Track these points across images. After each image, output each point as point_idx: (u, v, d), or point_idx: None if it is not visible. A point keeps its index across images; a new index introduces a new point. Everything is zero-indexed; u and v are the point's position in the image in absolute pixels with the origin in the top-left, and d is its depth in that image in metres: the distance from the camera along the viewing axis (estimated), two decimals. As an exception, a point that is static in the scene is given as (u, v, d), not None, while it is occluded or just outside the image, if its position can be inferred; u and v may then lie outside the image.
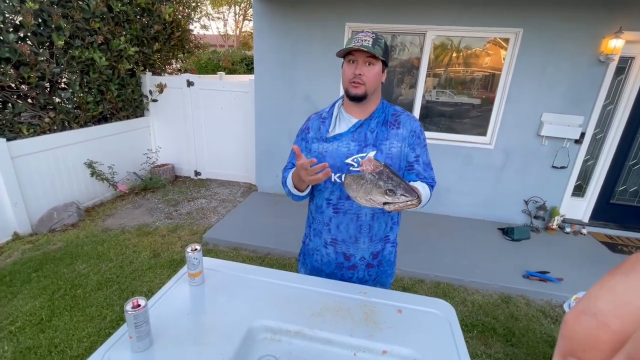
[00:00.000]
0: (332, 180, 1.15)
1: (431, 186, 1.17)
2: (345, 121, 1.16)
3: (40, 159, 3.09)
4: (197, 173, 4.60)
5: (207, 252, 2.83)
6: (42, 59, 3.04)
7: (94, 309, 2.12)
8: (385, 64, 1.09)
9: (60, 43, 3.07)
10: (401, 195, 0.82)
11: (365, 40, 1.03)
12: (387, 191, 0.82)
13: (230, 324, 0.95)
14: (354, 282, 1.23)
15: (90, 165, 3.55)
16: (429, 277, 2.66)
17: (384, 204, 0.85)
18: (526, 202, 3.46)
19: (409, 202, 0.82)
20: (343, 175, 1.07)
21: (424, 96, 3.46)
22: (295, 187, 1.15)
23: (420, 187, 1.10)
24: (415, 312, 1.05)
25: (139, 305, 0.80)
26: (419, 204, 0.84)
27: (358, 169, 1.11)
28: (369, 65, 1.06)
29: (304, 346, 0.93)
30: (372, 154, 1.11)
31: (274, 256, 2.82)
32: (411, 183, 1.12)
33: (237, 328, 0.94)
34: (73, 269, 2.51)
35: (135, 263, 2.63)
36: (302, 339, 0.95)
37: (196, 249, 1.07)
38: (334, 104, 1.20)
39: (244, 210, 3.63)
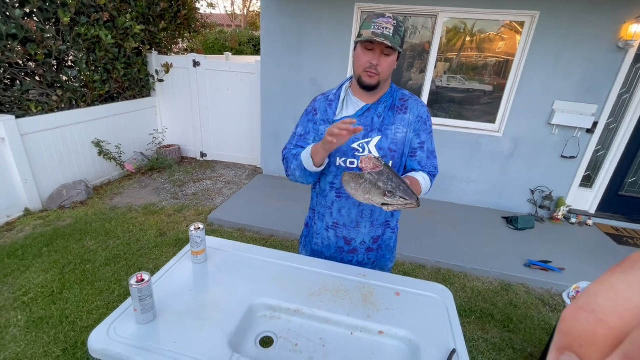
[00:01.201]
0: (337, 164, 1.14)
1: (433, 175, 1.16)
2: (353, 105, 1.14)
3: (49, 137, 3.12)
4: (203, 154, 4.63)
5: (212, 232, 2.88)
6: (49, 35, 3.03)
7: (102, 283, 2.19)
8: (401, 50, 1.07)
9: (66, 20, 3.05)
10: (400, 197, 0.81)
11: (387, 28, 0.98)
12: (387, 192, 0.82)
13: (231, 300, 0.98)
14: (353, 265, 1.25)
15: (97, 144, 3.59)
16: (430, 263, 2.68)
17: (383, 204, 0.84)
18: (532, 192, 3.43)
19: (407, 204, 0.81)
20: (342, 172, 1.03)
21: (433, 81, 3.38)
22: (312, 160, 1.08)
23: (421, 178, 1.09)
24: (413, 295, 1.07)
25: (143, 280, 0.83)
26: (418, 205, 0.83)
27: (362, 154, 1.11)
28: (386, 55, 1.02)
29: (302, 324, 0.96)
30: (376, 139, 1.10)
31: (277, 238, 2.86)
32: (412, 174, 1.12)
33: (238, 305, 0.96)
34: (82, 245, 2.58)
35: (142, 241, 2.69)
36: (301, 317, 0.98)
37: (199, 228, 1.09)
38: (341, 86, 1.18)
39: (248, 192, 3.66)
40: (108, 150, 3.70)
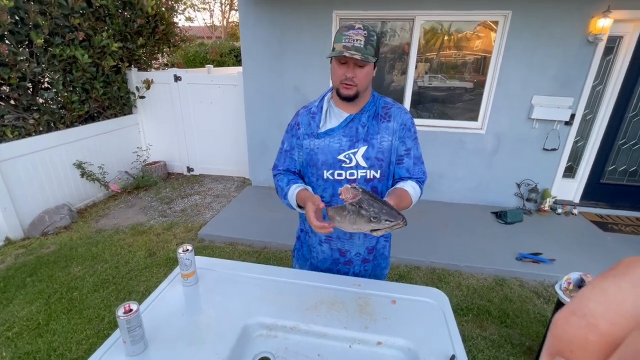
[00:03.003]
0: (325, 177, 1.14)
1: (422, 182, 1.16)
2: (336, 116, 1.13)
3: (27, 162, 3.03)
4: (189, 169, 4.56)
5: (203, 248, 2.83)
6: (22, 58, 2.95)
7: (91, 311, 2.12)
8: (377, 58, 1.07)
9: (40, 41, 2.98)
10: (385, 220, 0.81)
11: (357, 40, 0.97)
12: (372, 218, 0.81)
13: (225, 322, 0.95)
14: (349, 276, 1.24)
15: (79, 165, 3.49)
16: (424, 264, 2.69)
17: (372, 230, 0.84)
18: (518, 185, 3.50)
19: (394, 226, 0.81)
20: (325, 208, 1.02)
21: (415, 82, 3.43)
22: (298, 205, 1.12)
23: (410, 187, 1.09)
24: (409, 302, 1.06)
25: (131, 310, 0.80)
26: (405, 224, 0.83)
27: (350, 165, 1.11)
28: (360, 67, 1.01)
29: (300, 341, 0.94)
30: (362, 149, 1.10)
31: (271, 250, 2.83)
32: (400, 184, 1.11)
33: (232, 326, 0.94)
34: (68, 272, 2.49)
35: (131, 263, 2.62)
36: (298, 333, 0.96)
37: (188, 250, 1.07)
38: (322, 97, 1.17)
39: (238, 205, 3.62)
40: (91, 171, 3.61)
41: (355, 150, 1.10)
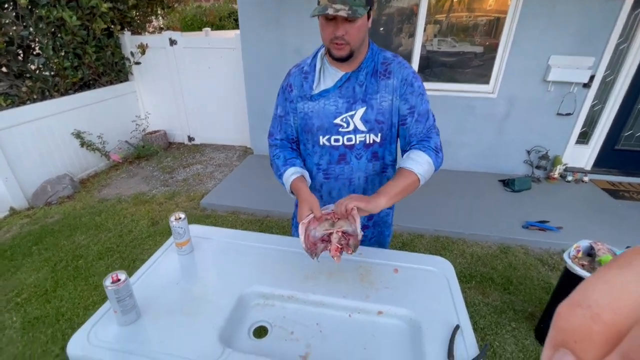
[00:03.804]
0: (321, 143, 1.05)
1: (435, 151, 1.01)
2: (330, 75, 1.01)
3: (24, 131, 2.97)
4: (190, 138, 4.48)
5: (206, 217, 2.82)
6: (7, 21, 2.80)
7: (97, 278, 2.15)
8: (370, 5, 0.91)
9: (24, 2, 2.80)
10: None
11: None
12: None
13: (221, 291, 0.93)
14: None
15: (78, 135, 3.43)
16: (428, 232, 2.66)
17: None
18: (528, 152, 3.37)
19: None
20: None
21: (424, 45, 3.21)
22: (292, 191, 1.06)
23: (417, 165, 0.97)
24: (412, 270, 1.02)
25: (119, 280, 0.76)
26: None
27: (347, 130, 1.02)
28: (350, 22, 0.87)
29: (298, 310, 0.91)
30: (361, 111, 1.00)
31: (273, 218, 2.81)
32: (406, 164, 0.99)
33: (228, 296, 0.91)
34: (73, 241, 2.51)
35: (134, 232, 2.63)
36: (296, 303, 0.93)
37: (180, 218, 1.02)
38: (315, 54, 1.05)
39: (240, 174, 3.57)
40: (90, 141, 3.55)
41: (353, 112, 1.00)
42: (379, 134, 1.03)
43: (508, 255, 2.44)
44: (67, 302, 1.97)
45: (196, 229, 1.19)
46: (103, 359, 0.73)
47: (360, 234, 0.88)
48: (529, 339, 1.79)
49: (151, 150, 4.03)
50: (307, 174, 1.07)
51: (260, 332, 0.86)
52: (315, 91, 1.02)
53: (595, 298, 0.16)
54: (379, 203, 0.89)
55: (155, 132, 4.33)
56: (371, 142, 1.04)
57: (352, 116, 1.01)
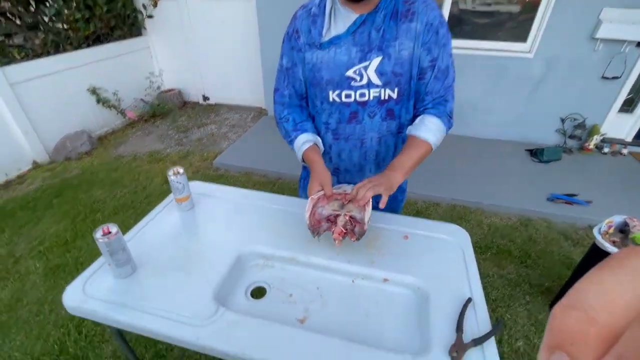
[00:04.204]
0: (330, 100, 0.94)
1: (449, 117, 0.94)
2: (342, 18, 0.87)
3: (40, 85, 2.96)
4: (205, 98, 4.40)
5: (218, 177, 2.82)
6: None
7: (113, 231, 2.20)
8: None
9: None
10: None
11: None
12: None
13: (219, 249, 0.89)
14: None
15: (93, 91, 3.42)
16: (444, 201, 2.55)
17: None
18: (563, 121, 3.10)
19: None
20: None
21: (454, 3, 2.89)
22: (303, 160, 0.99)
23: (430, 134, 0.90)
24: (424, 238, 0.95)
25: (109, 232, 0.73)
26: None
27: (361, 84, 0.90)
28: None
29: (298, 272, 0.87)
30: (376, 61, 0.87)
31: (285, 180, 2.77)
32: (417, 131, 0.91)
33: (226, 254, 0.87)
34: (90, 195, 2.58)
35: (148, 189, 2.66)
36: (296, 265, 0.88)
37: (179, 173, 0.97)
38: None
39: (254, 135, 3.50)
40: (106, 97, 3.54)
41: (367, 63, 0.87)
42: (396, 89, 0.91)
43: (529, 228, 2.32)
44: (85, 253, 2.05)
45: (198, 186, 1.15)
46: (97, 310, 0.72)
47: (367, 224, 0.83)
48: (542, 314, 1.73)
49: (166, 109, 4.00)
50: (319, 142, 0.99)
51: (258, 293, 0.83)
52: (325, 38, 0.89)
53: (590, 299, 0.16)
54: (395, 182, 0.86)
55: (170, 90, 4.27)
56: (386, 98, 0.92)
57: (365, 67, 0.88)
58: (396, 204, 1.19)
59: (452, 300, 0.76)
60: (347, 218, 0.84)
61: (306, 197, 1.20)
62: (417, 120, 0.93)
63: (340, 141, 1.00)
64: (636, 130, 3.09)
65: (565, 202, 2.46)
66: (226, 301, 0.78)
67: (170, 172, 0.96)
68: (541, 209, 2.43)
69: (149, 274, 0.81)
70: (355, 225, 0.84)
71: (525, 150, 3.16)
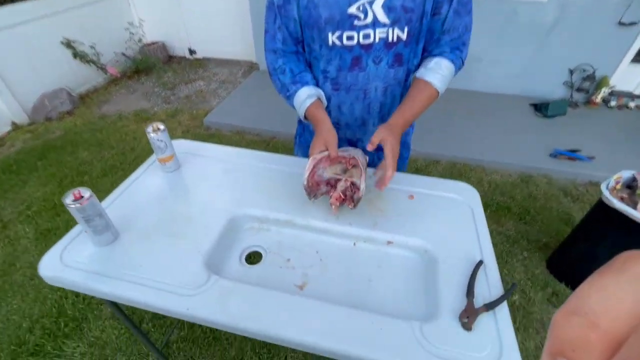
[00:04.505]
0: (330, 43, 0.81)
1: (462, 65, 0.85)
2: None
3: (9, 38, 2.69)
4: (191, 52, 4.10)
5: (210, 136, 2.69)
6: None
7: (103, 194, 2.10)
8: None
9: None
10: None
11: None
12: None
13: (210, 213, 0.82)
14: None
15: (68, 44, 3.13)
16: (445, 158, 2.48)
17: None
18: (571, 72, 2.94)
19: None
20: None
21: None
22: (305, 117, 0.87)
23: (438, 78, 0.81)
24: (431, 197, 0.88)
25: (81, 197, 0.64)
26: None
27: (365, 23, 0.76)
28: None
29: (295, 236, 0.81)
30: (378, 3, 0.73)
31: (279, 139, 2.66)
32: (443, 68, 0.81)
33: (217, 218, 0.80)
34: (76, 157, 2.46)
35: (136, 150, 2.54)
36: (294, 228, 0.82)
37: (159, 129, 0.86)
38: None
39: (245, 91, 3.31)
40: (83, 51, 3.26)
41: None
42: (405, 28, 0.78)
43: (529, 184, 2.28)
44: (75, 217, 1.98)
45: (185, 145, 1.05)
46: (76, 280, 0.66)
47: (362, 192, 0.76)
48: (539, 269, 1.75)
49: (150, 64, 3.73)
50: (323, 96, 0.87)
51: (253, 258, 0.77)
52: None
53: (592, 305, 0.16)
54: (398, 136, 0.80)
55: (152, 43, 3.95)
56: (394, 39, 0.80)
57: (371, 2, 0.75)
58: (401, 161, 1.10)
59: (461, 263, 0.71)
60: (349, 184, 0.76)
61: (303, 156, 1.12)
62: (432, 63, 0.82)
63: (340, 92, 0.89)
64: (646, 81, 2.95)
65: (568, 158, 2.40)
66: (219, 268, 0.72)
67: (150, 129, 0.86)
68: (543, 165, 2.38)
69: (133, 240, 0.74)
70: (354, 192, 0.76)
71: (530, 104, 3.03)
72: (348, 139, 0.99)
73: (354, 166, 0.79)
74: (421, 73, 0.83)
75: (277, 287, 0.68)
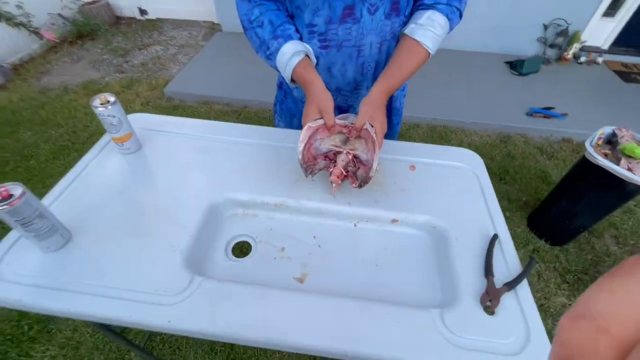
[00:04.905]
0: None
1: (459, 18, 0.73)
2: None
3: None
4: (142, 11, 3.62)
5: (173, 109, 2.44)
6: None
7: (55, 179, 1.88)
8: None
9: None
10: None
11: None
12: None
13: (183, 202, 0.69)
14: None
15: (-12, 4, 2.63)
16: (425, 121, 2.42)
17: None
18: (545, 27, 2.90)
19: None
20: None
21: None
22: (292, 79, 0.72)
23: (429, 36, 0.69)
24: (433, 167, 0.80)
25: (10, 196, 0.50)
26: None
27: None
28: None
29: (288, 221, 0.71)
30: None
31: (252, 109, 2.46)
32: (439, 25, 0.69)
33: (193, 206, 0.68)
34: (17, 139, 2.15)
35: (90, 127, 2.26)
36: (286, 212, 0.71)
37: (108, 102, 0.70)
38: None
39: (209, 56, 3.00)
40: (9, 12, 2.76)
41: None
42: None
43: (507, 144, 2.29)
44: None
45: (145, 119, 0.88)
46: (22, 299, 0.53)
47: (374, 170, 0.63)
48: (520, 227, 1.79)
49: (94, 27, 3.26)
50: (311, 52, 0.72)
51: (241, 250, 0.67)
52: None
53: (600, 309, 0.15)
54: (383, 108, 0.69)
55: (94, 2, 3.43)
56: None
57: None
58: (391, 127, 1.00)
59: (474, 238, 0.64)
60: (351, 157, 0.66)
61: (285, 126, 0.99)
62: (424, 18, 0.69)
63: (330, 50, 0.75)
64: (615, 36, 2.99)
65: (543, 116, 2.42)
66: (202, 267, 0.61)
67: (96, 102, 0.69)
68: (520, 124, 2.39)
69: (91, 243, 0.61)
70: (358, 168, 0.66)
71: (505, 62, 3.00)
72: (338, 106, 0.87)
73: (359, 136, 0.68)
74: (411, 30, 0.70)
75: (273, 282, 0.58)
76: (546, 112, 2.42)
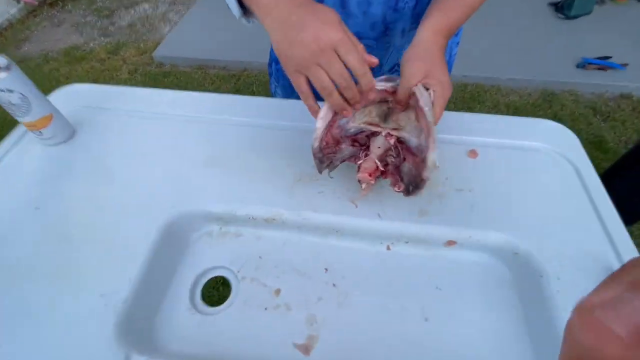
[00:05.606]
0: None
1: None
2: None
3: None
4: (127, -36, 3.21)
5: (164, 75, 2.16)
6: None
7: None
8: None
9: None
10: None
11: None
12: None
13: (128, 218, 0.45)
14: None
15: (-49, -40, 2.32)
16: (454, 78, 2.01)
17: None
18: (602, -45, 2.38)
19: None
20: None
21: None
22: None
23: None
24: (503, 151, 0.53)
25: None
26: None
27: None
28: None
29: (286, 243, 0.47)
30: None
31: (252, 72, 2.16)
32: None
33: (141, 225, 0.44)
34: (-4, 116, 1.95)
35: (74, 100, 2.03)
36: (282, 229, 0.47)
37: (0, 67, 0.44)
38: None
39: (202, 13, 2.64)
40: (-23, -29, 2.45)
41: None
42: None
43: (553, 104, 1.94)
44: None
45: (81, 92, 0.63)
46: None
47: (433, 164, 0.37)
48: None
49: (74, -16, 2.91)
50: None
51: (215, 292, 0.44)
52: None
53: (609, 310, 0.14)
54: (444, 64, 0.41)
55: (72, -46, 3.04)
56: None
57: None
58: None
59: (587, 273, 0.39)
60: (393, 141, 0.40)
61: (284, 95, 0.72)
62: None
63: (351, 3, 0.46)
64: (690, -38, 2.44)
65: (598, 67, 2.02)
66: (150, 333, 0.39)
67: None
68: (568, 78, 2.01)
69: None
70: (404, 159, 0.40)
71: (549, 4, 2.52)
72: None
73: (407, 108, 0.41)
74: None
75: (262, 354, 0.36)
76: (602, 63, 2.02)
